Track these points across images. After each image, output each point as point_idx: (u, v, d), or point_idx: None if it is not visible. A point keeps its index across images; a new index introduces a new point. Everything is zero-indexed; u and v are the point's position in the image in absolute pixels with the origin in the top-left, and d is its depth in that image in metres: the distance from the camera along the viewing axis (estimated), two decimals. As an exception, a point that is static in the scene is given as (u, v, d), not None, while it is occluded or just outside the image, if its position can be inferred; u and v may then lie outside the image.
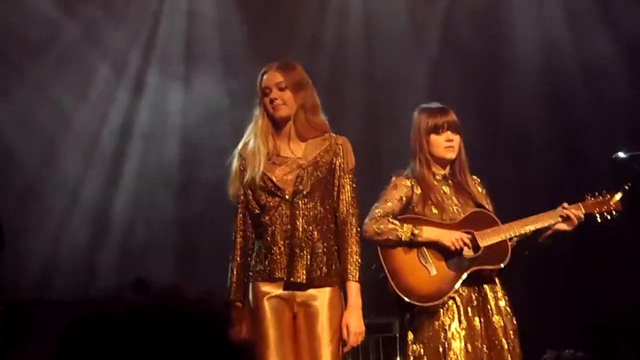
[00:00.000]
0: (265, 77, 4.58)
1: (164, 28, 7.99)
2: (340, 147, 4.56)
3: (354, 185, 4.56)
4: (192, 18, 8.02)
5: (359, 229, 4.57)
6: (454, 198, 5.02)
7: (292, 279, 4.42)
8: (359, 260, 4.51)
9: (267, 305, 4.45)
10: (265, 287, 4.46)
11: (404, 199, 4.97)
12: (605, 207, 5.07)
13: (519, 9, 7.92)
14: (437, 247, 4.88)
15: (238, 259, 4.57)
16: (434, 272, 4.86)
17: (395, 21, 7.98)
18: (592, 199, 5.09)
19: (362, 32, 8.02)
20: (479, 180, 5.18)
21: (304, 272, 4.41)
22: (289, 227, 4.45)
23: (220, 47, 7.95)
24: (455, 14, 7.94)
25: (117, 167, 7.89)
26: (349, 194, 4.54)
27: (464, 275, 4.86)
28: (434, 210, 4.96)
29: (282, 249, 4.44)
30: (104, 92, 7.88)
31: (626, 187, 5.10)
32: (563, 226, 5.03)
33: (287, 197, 4.48)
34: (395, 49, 7.98)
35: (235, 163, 4.61)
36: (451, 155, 5.03)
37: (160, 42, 7.97)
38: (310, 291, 4.44)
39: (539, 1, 7.94)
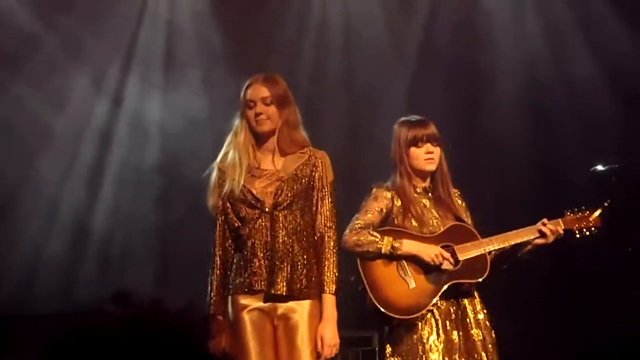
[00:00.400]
0: (250, 90, 4.59)
1: (143, 39, 7.96)
2: (320, 161, 4.59)
3: (333, 199, 4.59)
4: (172, 30, 8.00)
5: (336, 242, 4.60)
6: (433, 211, 5.03)
7: (272, 292, 4.42)
8: (336, 273, 4.53)
9: (247, 318, 4.45)
10: (245, 300, 4.47)
11: (384, 210, 4.98)
12: (585, 223, 5.09)
13: (499, 24, 7.94)
14: (416, 261, 4.88)
15: (218, 271, 4.58)
16: (412, 285, 4.86)
17: (374, 34, 7.99)
18: (572, 214, 5.11)
19: (341, 45, 8.03)
20: (458, 193, 5.19)
21: (285, 285, 4.43)
22: (269, 239, 4.47)
23: (199, 58, 7.94)
24: (435, 28, 7.95)
25: (96, 177, 7.85)
26: (328, 207, 4.57)
27: (443, 289, 4.86)
28: (414, 223, 4.96)
29: (262, 261, 4.46)
30: (83, 103, 7.85)
31: (605, 204, 5.12)
32: (541, 241, 5.04)
33: (266, 209, 4.50)
34: (374, 62, 7.99)
35: (213, 175, 4.62)
36: (431, 167, 5.04)
37: (140, 53, 7.95)
38: (290, 303, 4.46)
39: (520, 16, 7.97)
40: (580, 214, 5.11)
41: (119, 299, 2.22)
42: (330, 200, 4.58)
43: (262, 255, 4.46)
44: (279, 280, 4.43)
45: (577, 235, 5.10)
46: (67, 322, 2.28)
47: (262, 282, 4.44)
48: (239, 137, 4.59)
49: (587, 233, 5.10)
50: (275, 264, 4.44)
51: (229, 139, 4.65)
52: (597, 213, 5.11)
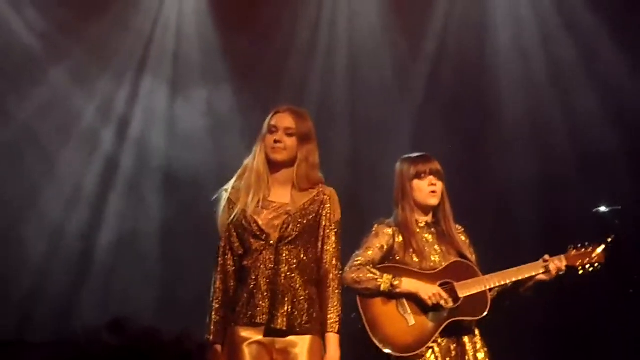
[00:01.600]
0: (277, 116, 4.62)
1: (150, 70, 7.99)
2: (328, 198, 4.61)
3: (339, 237, 4.61)
4: (178, 62, 8.03)
5: (341, 281, 4.62)
6: (436, 246, 5.03)
7: (272, 325, 4.42)
8: (340, 311, 4.55)
9: (246, 350, 4.45)
10: (245, 332, 4.47)
11: (385, 247, 4.99)
12: (588, 259, 5.07)
13: (504, 62, 7.96)
14: (415, 299, 4.88)
15: (219, 299, 4.57)
16: (412, 322, 4.86)
17: (380, 68, 8.01)
18: (575, 250, 5.09)
19: (346, 79, 8.05)
20: (462, 229, 5.19)
21: (285, 319, 4.42)
22: (272, 272, 4.48)
23: (206, 93, 7.96)
24: (441, 64, 7.98)
25: (101, 208, 7.85)
26: (334, 245, 4.59)
27: (442, 327, 4.86)
28: (415, 258, 4.96)
29: (264, 294, 4.45)
30: (89, 134, 7.87)
31: (609, 240, 5.10)
32: (544, 277, 5.02)
33: (271, 242, 4.50)
34: (379, 99, 8.01)
35: (223, 199, 4.61)
36: (434, 201, 5.05)
37: (147, 84, 7.98)
38: (290, 338, 4.46)
39: (525, 55, 7.99)
40: (583, 249, 5.09)
41: (114, 327, 2.22)
42: (336, 238, 4.60)
43: (264, 288, 4.46)
44: (279, 314, 4.43)
45: (580, 272, 5.07)
46: (64, 351, 2.28)
47: (263, 316, 4.44)
48: (255, 161, 4.59)
49: (590, 269, 5.08)
50: (277, 298, 4.44)
51: (246, 163, 4.65)
52: (600, 249, 5.09)
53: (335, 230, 4.60)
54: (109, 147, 7.88)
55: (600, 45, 7.78)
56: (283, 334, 4.44)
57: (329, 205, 4.59)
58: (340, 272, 4.61)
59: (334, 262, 4.57)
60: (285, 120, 4.59)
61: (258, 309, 4.44)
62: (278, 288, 4.45)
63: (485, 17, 8.03)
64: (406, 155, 5.18)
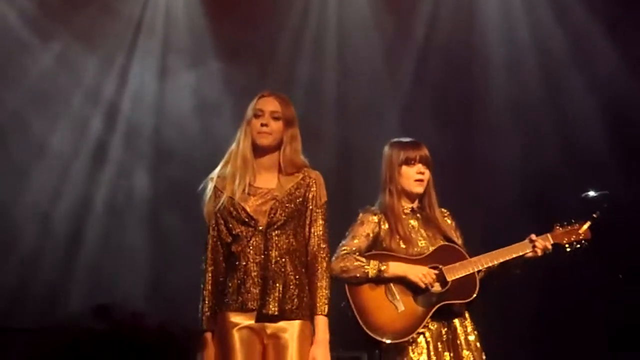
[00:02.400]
0: (262, 100, 4.62)
1: (138, 58, 7.98)
2: (314, 181, 4.62)
3: (325, 220, 4.62)
4: (167, 51, 8.02)
5: (329, 263, 4.63)
6: (422, 231, 5.03)
7: (264, 311, 4.43)
8: (329, 294, 4.56)
9: (237, 336, 4.45)
10: (236, 318, 4.47)
11: (371, 235, 4.98)
12: (574, 236, 5.07)
13: (493, 49, 7.98)
14: (404, 283, 4.88)
15: (210, 287, 4.57)
16: (401, 308, 4.86)
17: (369, 57, 8.02)
18: (561, 228, 5.09)
19: (335, 66, 8.05)
20: (448, 212, 5.19)
21: (276, 305, 4.43)
22: (262, 258, 4.48)
23: (195, 80, 7.96)
24: (430, 52, 7.99)
25: (89, 194, 7.85)
26: (321, 228, 4.60)
27: (432, 311, 4.86)
28: (402, 244, 4.96)
29: (255, 280, 4.46)
30: (78, 119, 7.86)
31: (594, 216, 5.10)
32: (530, 255, 5.03)
33: (260, 228, 4.50)
34: (368, 84, 8.01)
35: (209, 187, 4.61)
36: (419, 189, 5.05)
37: (135, 71, 7.97)
38: (281, 323, 4.47)
39: (514, 42, 8.00)
40: (569, 227, 5.09)
41: (100, 313, 2.22)
42: (323, 221, 4.61)
43: (255, 274, 4.46)
44: (270, 300, 4.44)
45: (567, 249, 5.08)
46: (49, 336, 2.28)
47: (255, 302, 4.44)
48: (240, 147, 4.59)
49: (578, 246, 5.07)
50: (268, 284, 4.45)
51: (230, 149, 4.65)
52: (586, 225, 5.08)
53: (322, 213, 4.61)
54: (99, 132, 7.88)
55: (591, 35, 7.80)
56: (274, 319, 4.45)
57: (314, 188, 4.60)
58: (329, 256, 4.63)
59: (322, 245, 4.58)
60: (270, 104, 4.60)
61: (249, 294, 4.45)
62: (269, 273, 4.46)
63: (475, 4, 8.04)
64: (396, 139, 5.16)
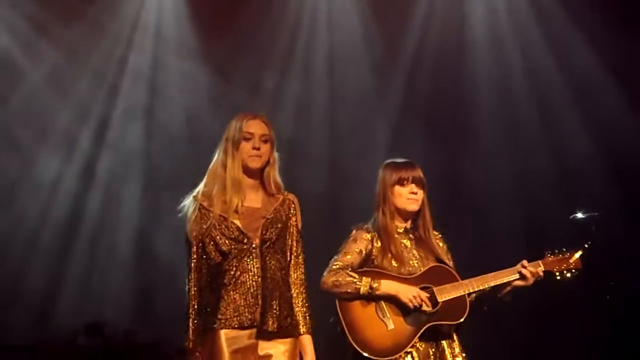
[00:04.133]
0: (250, 123, 4.64)
1: (129, 75, 7.99)
2: (294, 205, 4.71)
3: (303, 240, 4.72)
4: (157, 66, 8.03)
5: (306, 284, 4.68)
6: (414, 251, 5.04)
7: (264, 328, 4.46)
8: (310, 312, 4.63)
9: (227, 353, 4.43)
10: (230, 336, 4.46)
11: (363, 252, 4.99)
12: (565, 265, 5.09)
13: (482, 69, 8.01)
14: (395, 302, 4.88)
15: (195, 305, 4.55)
16: (391, 326, 4.87)
17: (358, 77, 8.04)
18: (552, 256, 5.11)
19: (325, 86, 8.07)
20: (440, 235, 5.20)
21: (275, 321, 4.48)
22: (259, 275, 4.50)
23: (183, 96, 7.97)
24: (419, 72, 8.02)
25: (78, 210, 7.84)
26: (300, 250, 4.70)
27: (421, 330, 4.86)
28: (394, 263, 4.97)
29: (254, 297, 4.47)
30: (67, 137, 7.86)
31: (586, 245, 5.12)
32: (521, 282, 5.04)
33: (254, 245, 4.52)
34: (358, 104, 8.04)
35: (191, 208, 4.60)
36: (413, 207, 5.06)
37: (125, 89, 7.98)
38: (275, 341, 4.49)
39: (503, 64, 8.04)
40: (560, 255, 5.10)
41: (91, 330, 2.21)
42: (302, 244, 4.71)
43: (253, 291, 4.48)
44: (269, 316, 4.47)
45: (558, 277, 5.09)
46: (41, 353, 2.27)
47: (253, 319, 4.46)
48: (229, 166, 4.60)
49: (568, 275, 5.09)
50: (266, 301, 4.48)
51: (211, 168, 4.66)
52: (577, 255, 5.10)
53: (301, 237, 4.72)
54: (87, 149, 7.88)
55: (581, 55, 7.85)
56: (268, 336, 4.48)
57: (295, 212, 4.71)
58: (305, 274, 4.70)
59: (301, 267, 4.68)
60: (259, 127, 4.65)
61: (248, 311, 4.46)
62: (267, 291, 4.49)
63: (465, 24, 8.08)
64: (390, 160, 5.19)
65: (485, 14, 8.07)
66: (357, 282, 4.86)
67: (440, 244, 5.16)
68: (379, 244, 5.00)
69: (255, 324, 4.46)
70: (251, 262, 4.50)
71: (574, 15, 7.83)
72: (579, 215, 5.59)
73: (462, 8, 8.12)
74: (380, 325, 4.87)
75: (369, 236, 5.02)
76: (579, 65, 7.86)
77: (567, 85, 7.86)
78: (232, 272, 4.50)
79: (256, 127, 4.63)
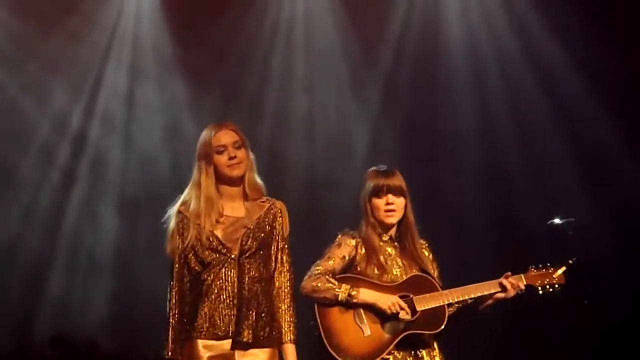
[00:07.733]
0: (218, 135, 4.60)
1: (106, 86, 7.98)
2: (280, 212, 4.66)
3: (289, 249, 4.66)
4: (135, 77, 8.03)
5: (293, 292, 4.65)
6: (398, 260, 5.03)
7: (239, 338, 4.44)
8: (295, 321, 4.59)
9: (204, 360, 4.42)
10: (207, 346, 4.45)
11: (347, 257, 4.98)
12: (548, 279, 5.07)
13: (458, 74, 8.04)
14: (373, 309, 4.88)
15: (176, 316, 4.54)
16: (368, 332, 4.87)
17: (337, 84, 8.06)
18: (535, 270, 5.09)
19: (304, 95, 8.08)
20: (426, 244, 5.18)
21: (251, 332, 4.45)
22: (235, 286, 4.49)
23: (162, 107, 7.96)
24: (396, 77, 8.04)
25: (56, 222, 7.82)
26: (286, 258, 4.65)
27: (398, 338, 4.86)
28: (376, 270, 4.96)
29: (229, 308, 4.47)
30: (45, 148, 7.84)
31: (570, 262, 5.11)
32: (502, 295, 5.02)
33: (233, 256, 4.51)
34: (336, 113, 8.05)
35: (173, 221, 4.59)
36: (391, 220, 5.03)
37: (103, 100, 7.97)
38: (252, 351, 4.47)
39: (478, 69, 8.07)
40: (544, 270, 5.09)
41: (55, 342, 2.20)
42: (288, 251, 4.66)
43: (229, 301, 4.47)
44: (244, 327, 4.45)
45: (540, 292, 5.08)
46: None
47: (228, 329, 4.44)
48: (204, 184, 4.57)
49: (551, 290, 5.08)
50: (242, 311, 4.46)
51: (190, 186, 4.64)
52: (561, 270, 5.09)
53: (287, 245, 4.66)
54: (65, 161, 7.86)
55: (557, 63, 7.87)
56: (246, 346, 4.46)
57: (281, 219, 4.65)
58: (293, 285, 4.66)
59: (288, 274, 4.63)
60: (228, 136, 4.61)
61: (223, 322, 4.45)
62: (242, 301, 4.47)
63: (441, 33, 8.11)
64: (373, 168, 5.16)
65: (461, 18, 8.10)
66: (336, 289, 4.85)
67: (426, 253, 5.15)
68: (363, 250, 5.00)
69: (230, 335, 4.44)
70: (229, 272, 4.49)
71: (548, 19, 7.86)
72: (557, 220, 5.60)
73: (437, 13, 8.14)
74: (357, 331, 4.87)
75: (353, 242, 5.01)
76: (559, 75, 7.89)
77: (543, 91, 7.89)
78: (208, 282, 4.49)
79: (226, 138, 4.59)
